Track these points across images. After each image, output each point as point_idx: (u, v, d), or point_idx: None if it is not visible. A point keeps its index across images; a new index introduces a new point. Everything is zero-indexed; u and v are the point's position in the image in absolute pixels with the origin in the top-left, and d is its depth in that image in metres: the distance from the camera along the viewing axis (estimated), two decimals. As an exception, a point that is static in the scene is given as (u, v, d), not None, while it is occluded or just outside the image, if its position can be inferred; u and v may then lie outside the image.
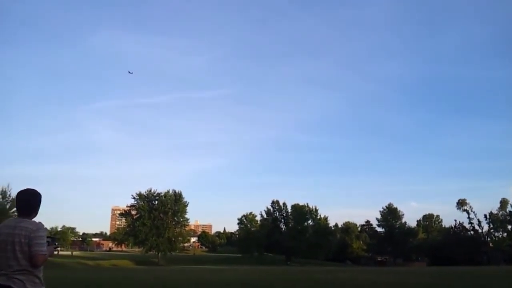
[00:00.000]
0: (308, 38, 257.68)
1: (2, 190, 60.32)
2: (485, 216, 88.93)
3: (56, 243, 4.44)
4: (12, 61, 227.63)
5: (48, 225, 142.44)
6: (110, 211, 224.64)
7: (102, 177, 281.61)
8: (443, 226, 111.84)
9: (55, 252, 4.97)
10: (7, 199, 59.16)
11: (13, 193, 57.17)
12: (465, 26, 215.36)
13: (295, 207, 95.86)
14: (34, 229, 4.05)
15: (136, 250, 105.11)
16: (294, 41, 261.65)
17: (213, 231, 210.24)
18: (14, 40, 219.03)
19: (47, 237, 4.21)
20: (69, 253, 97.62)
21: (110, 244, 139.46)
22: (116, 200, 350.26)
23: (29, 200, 4.32)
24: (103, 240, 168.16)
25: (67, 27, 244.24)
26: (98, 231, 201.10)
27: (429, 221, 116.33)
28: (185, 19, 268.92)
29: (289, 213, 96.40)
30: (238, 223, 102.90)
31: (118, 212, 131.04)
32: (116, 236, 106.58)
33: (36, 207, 4.34)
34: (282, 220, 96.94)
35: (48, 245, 4.19)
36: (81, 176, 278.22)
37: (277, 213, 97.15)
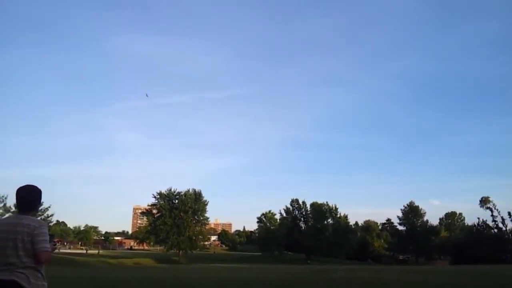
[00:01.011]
0: (322, 36, 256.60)
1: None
2: (509, 213, 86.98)
3: (54, 240, 4.40)
4: (34, 64, 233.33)
5: (71, 224, 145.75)
6: (131, 210, 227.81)
7: (123, 177, 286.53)
8: (466, 224, 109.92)
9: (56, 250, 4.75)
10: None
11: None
12: (480, 22, 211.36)
13: (314, 205, 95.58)
14: (36, 226, 4.01)
15: (158, 248, 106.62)
16: (309, 40, 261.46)
17: (233, 229, 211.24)
18: (35, 44, 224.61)
19: None
20: (95, 251, 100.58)
21: (132, 243, 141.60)
22: (137, 199, 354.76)
23: (29, 197, 4.24)
24: (125, 239, 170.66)
25: (85, 30, 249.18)
26: (120, 230, 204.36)
27: (451, 219, 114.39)
28: (200, 19, 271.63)
29: (309, 212, 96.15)
30: (257, 222, 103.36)
31: (140, 211, 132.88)
32: (138, 235, 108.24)
33: (36, 203, 4.31)
34: (302, 219, 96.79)
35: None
36: (103, 176, 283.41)
37: (297, 212, 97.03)
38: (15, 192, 4.19)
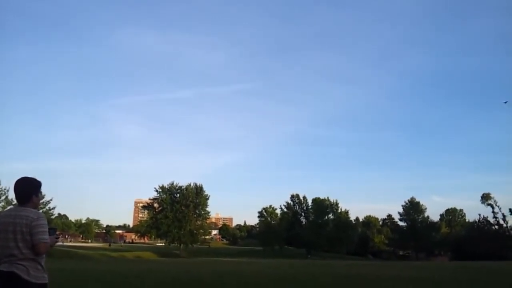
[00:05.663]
0: (328, 33, 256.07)
1: None
2: (510, 210, 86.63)
3: (57, 234, 4.47)
4: (40, 59, 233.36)
5: (73, 217, 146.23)
6: (133, 204, 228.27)
7: (125, 170, 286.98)
8: (467, 220, 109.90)
9: (59, 243, 4.80)
10: None
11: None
12: (493, 17, 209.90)
13: (315, 200, 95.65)
14: (34, 217, 4.06)
15: (159, 242, 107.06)
16: (314, 36, 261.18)
17: (234, 224, 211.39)
18: (41, 39, 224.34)
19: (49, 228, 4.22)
20: (100, 245, 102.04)
21: (133, 236, 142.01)
22: (139, 193, 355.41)
23: (26, 188, 4.28)
24: (126, 232, 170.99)
25: (93, 24, 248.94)
26: (121, 224, 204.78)
27: (452, 215, 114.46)
28: (206, 15, 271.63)
29: (310, 207, 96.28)
30: (258, 216, 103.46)
31: (141, 204, 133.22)
32: (139, 229, 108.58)
33: (33, 195, 4.29)
34: (302, 214, 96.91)
35: (49, 235, 4.18)
36: (105, 170, 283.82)
37: (297, 207, 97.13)
38: (13, 184, 4.26)
